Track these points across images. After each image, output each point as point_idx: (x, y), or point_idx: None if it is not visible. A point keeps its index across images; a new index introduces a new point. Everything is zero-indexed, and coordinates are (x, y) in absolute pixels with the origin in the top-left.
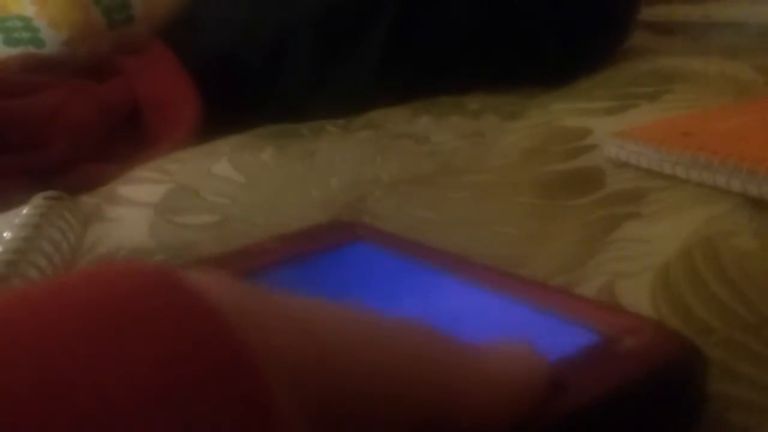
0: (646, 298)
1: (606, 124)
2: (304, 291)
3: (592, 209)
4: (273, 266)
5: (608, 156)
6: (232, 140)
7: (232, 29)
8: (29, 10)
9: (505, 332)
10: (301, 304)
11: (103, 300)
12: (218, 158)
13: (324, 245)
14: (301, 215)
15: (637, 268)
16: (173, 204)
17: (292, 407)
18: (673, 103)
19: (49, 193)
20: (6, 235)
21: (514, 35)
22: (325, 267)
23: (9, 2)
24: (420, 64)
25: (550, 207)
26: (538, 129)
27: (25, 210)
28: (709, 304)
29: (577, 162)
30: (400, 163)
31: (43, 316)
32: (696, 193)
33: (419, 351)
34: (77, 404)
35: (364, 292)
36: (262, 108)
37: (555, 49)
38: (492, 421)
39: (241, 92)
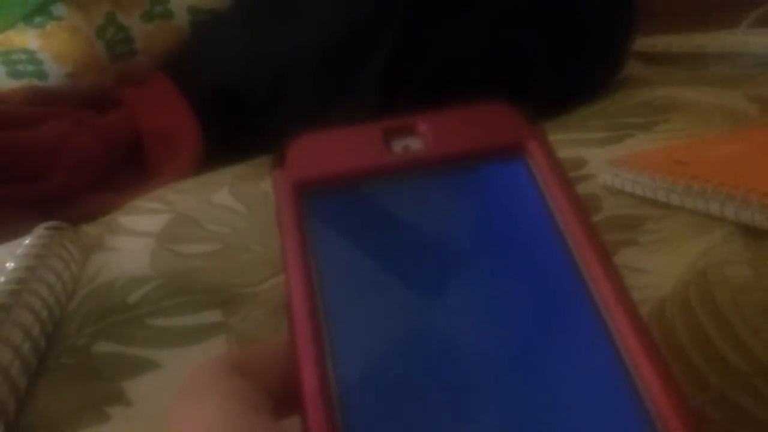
0: None
1: (601, 155)
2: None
3: None
4: (407, 166)
5: (603, 183)
6: (232, 170)
7: (233, 62)
8: (33, 43)
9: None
10: None
11: None
12: (219, 188)
13: (479, 150)
14: None
15: (635, 299)
16: (174, 233)
17: None
18: (667, 133)
19: (51, 223)
20: (9, 265)
21: (511, 66)
22: (467, 187)
23: (13, 35)
24: (418, 95)
25: None
26: None
27: (27, 240)
28: (703, 348)
29: None
30: None
31: None
32: (691, 221)
33: None
34: None
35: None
36: (262, 138)
37: (550, 80)
38: None
39: (242, 123)
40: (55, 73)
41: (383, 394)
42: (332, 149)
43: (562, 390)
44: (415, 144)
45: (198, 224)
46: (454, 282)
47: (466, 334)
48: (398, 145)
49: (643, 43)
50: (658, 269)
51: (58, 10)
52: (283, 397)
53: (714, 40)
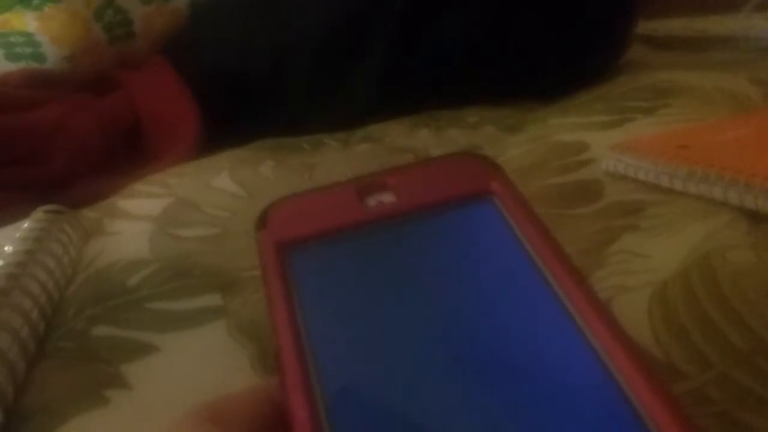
0: (643, 317)
1: (603, 139)
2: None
3: (592, 220)
4: (382, 219)
5: (606, 169)
6: (232, 154)
7: (233, 46)
8: (31, 25)
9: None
10: None
11: None
12: (218, 172)
13: (447, 196)
14: None
15: (636, 283)
16: (173, 217)
17: None
18: (670, 117)
19: (50, 206)
20: (7, 248)
21: (513, 51)
22: (441, 232)
23: (11, 18)
24: (419, 80)
25: (549, 216)
26: (537, 144)
27: (26, 224)
28: (705, 329)
29: (576, 175)
30: None
31: None
32: (693, 206)
33: None
34: None
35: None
36: (261, 122)
37: (553, 64)
38: None
39: (241, 107)
40: (54, 55)
41: None
42: (310, 209)
43: (556, 418)
44: (387, 198)
45: (197, 208)
46: (438, 322)
47: (454, 373)
48: (372, 200)
49: (645, 26)
50: (660, 253)
51: None
52: None
53: (716, 24)
